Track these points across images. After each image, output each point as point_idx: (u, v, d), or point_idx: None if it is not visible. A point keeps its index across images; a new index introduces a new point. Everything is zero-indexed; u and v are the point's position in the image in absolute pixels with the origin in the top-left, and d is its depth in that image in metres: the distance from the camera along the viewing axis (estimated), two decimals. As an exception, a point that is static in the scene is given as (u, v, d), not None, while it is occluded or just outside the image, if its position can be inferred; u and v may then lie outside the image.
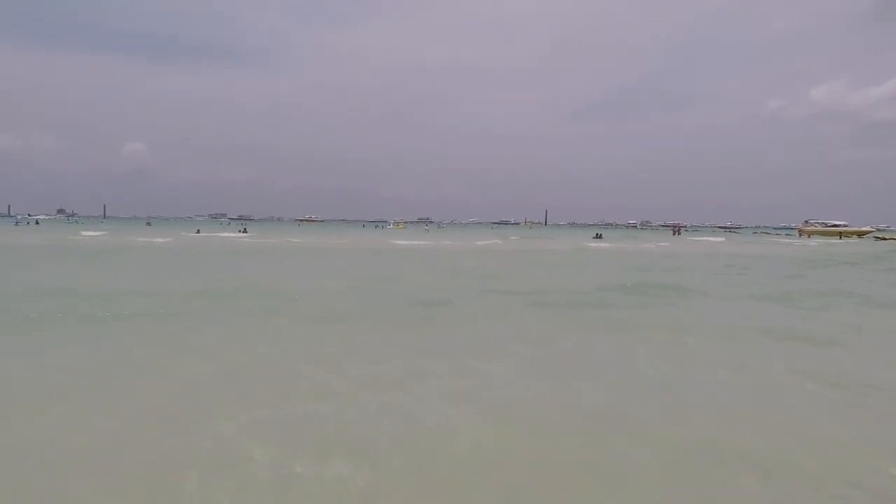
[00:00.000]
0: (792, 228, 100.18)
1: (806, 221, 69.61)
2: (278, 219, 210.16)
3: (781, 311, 9.15)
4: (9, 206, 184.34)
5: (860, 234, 60.25)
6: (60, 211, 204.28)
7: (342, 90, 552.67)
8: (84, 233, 37.39)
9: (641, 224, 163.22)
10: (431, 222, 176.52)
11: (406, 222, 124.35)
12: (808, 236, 62.64)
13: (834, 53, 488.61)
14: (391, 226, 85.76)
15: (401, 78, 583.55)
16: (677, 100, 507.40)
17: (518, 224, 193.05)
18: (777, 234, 77.65)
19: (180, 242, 27.65)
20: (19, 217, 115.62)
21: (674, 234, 67.43)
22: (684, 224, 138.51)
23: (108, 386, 4.35)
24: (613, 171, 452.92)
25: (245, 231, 43.86)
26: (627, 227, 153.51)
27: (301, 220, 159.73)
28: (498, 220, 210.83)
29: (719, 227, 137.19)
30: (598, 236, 49.08)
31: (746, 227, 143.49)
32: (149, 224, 73.01)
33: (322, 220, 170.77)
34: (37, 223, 66.61)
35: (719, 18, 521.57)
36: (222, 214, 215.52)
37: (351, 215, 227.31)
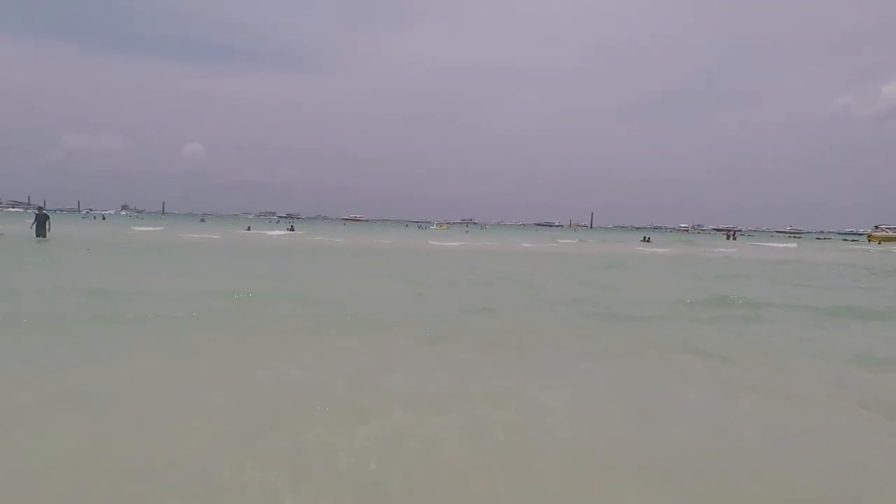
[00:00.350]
0: (859, 234, 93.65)
1: (876, 227, 65.60)
2: (324, 218, 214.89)
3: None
4: (78, 202, 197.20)
5: None
6: (124, 207, 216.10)
7: (389, 93, 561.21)
8: (137, 228, 39.03)
9: (693, 228, 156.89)
10: (474, 223, 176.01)
11: (449, 223, 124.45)
12: (879, 242, 57.71)
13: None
14: (434, 226, 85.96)
15: (447, 80, 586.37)
16: (733, 98, 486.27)
17: (562, 226, 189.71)
18: (844, 240, 72.84)
19: (230, 239, 28.38)
20: (84, 213, 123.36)
21: (728, 239, 64.70)
22: (739, 228, 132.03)
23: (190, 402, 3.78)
24: (662, 172, 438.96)
25: (292, 229, 44.83)
26: (678, 230, 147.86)
27: (346, 220, 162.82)
28: (542, 222, 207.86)
29: (778, 232, 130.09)
30: (647, 239, 47.78)
31: (808, 232, 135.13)
32: (203, 220, 76.17)
33: (367, 220, 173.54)
34: (103, 218, 70.68)
35: (781, 13, 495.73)
36: (272, 213, 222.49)
37: (395, 215, 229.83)
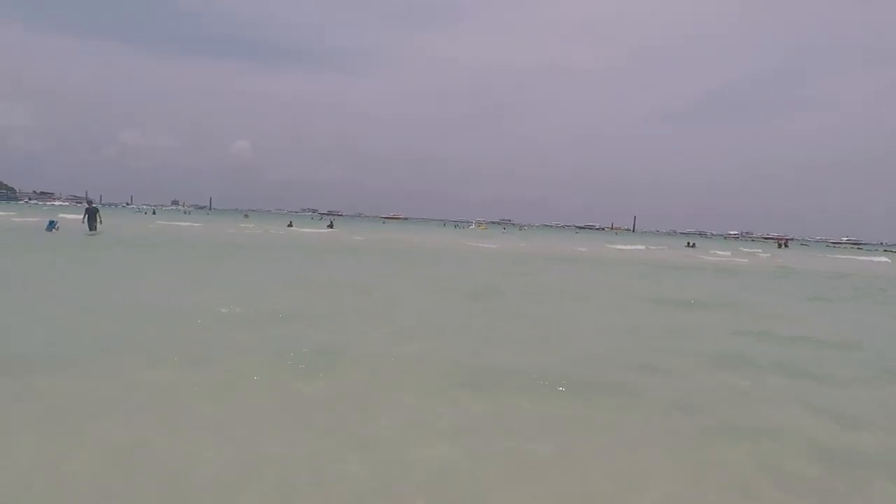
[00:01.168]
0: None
1: None
2: (363, 216, 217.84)
3: None
4: (131, 197, 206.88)
5: None
6: (174, 202, 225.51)
7: (432, 93, 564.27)
8: (180, 223, 40.52)
9: (743, 234, 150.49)
10: (511, 224, 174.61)
11: (488, 223, 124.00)
12: None
13: None
14: (473, 226, 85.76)
15: (489, 81, 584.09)
16: (786, 102, 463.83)
17: (604, 229, 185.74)
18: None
19: (270, 238, 28.94)
20: (135, 207, 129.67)
21: (779, 248, 61.97)
22: (790, 237, 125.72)
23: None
24: (707, 176, 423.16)
25: (332, 226, 45.73)
26: (727, 237, 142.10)
27: (386, 218, 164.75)
28: (583, 225, 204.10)
29: (833, 243, 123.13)
30: (691, 245, 47.08)
31: (868, 244, 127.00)
32: (246, 216, 78.70)
33: (406, 218, 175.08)
34: (153, 213, 74.21)
35: (837, 14, 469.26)
36: (314, 210, 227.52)
37: (433, 214, 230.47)
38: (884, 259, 43.17)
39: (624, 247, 37.29)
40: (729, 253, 36.59)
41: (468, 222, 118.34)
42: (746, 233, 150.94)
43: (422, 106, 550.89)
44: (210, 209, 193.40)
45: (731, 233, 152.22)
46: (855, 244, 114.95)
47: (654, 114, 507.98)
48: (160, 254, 15.25)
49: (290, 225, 45.11)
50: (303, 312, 7.03)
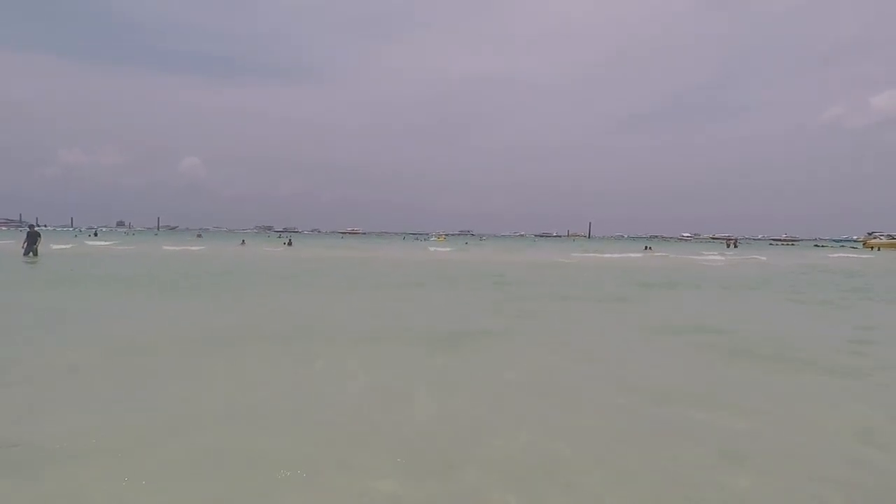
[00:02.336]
0: (854, 241, 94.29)
1: (870, 234, 67.61)
2: (318, 231, 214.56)
3: None
4: (71, 219, 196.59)
5: None
6: (120, 223, 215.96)
7: (387, 105, 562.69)
8: (121, 247, 37.78)
9: (692, 236, 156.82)
10: (472, 235, 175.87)
11: (447, 235, 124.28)
12: (878, 249, 59.36)
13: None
14: (433, 238, 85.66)
15: (446, 92, 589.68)
16: (729, 109, 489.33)
17: (561, 236, 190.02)
18: (842, 247, 73.03)
19: (224, 256, 27.63)
20: (76, 230, 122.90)
21: (728, 247, 64.75)
22: (737, 236, 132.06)
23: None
24: (659, 182, 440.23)
25: (290, 244, 44.21)
26: (680, 239, 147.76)
27: (344, 233, 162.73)
28: (540, 233, 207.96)
29: (775, 240, 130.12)
30: (648, 248, 48.19)
31: (804, 240, 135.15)
32: (199, 236, 75.45)
33: (365, 233, 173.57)
34: (95, 235, 69.98)
35: (771, 25, 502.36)
36: (269, 227, 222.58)
37: (394, 228, 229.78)
38: (842, 255, 45.89)
39: (610, 255, 36.72)
40: (722, 257, 36.72)
41: (428, 235, 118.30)
42: (695, 234, 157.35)
43: (378, 117, 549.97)
44: (158, 229, 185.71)
45: (685, 235, 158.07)
46: (788, 241, 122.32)
47: (606, 124, 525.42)
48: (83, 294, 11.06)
49: (243, 243, 43.58)
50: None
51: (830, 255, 40.99)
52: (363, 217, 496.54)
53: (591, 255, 36.56)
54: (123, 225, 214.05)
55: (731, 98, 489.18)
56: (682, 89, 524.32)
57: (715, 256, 36.24)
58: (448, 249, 36.59)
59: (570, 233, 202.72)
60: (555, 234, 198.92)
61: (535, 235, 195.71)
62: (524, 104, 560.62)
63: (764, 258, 34.41)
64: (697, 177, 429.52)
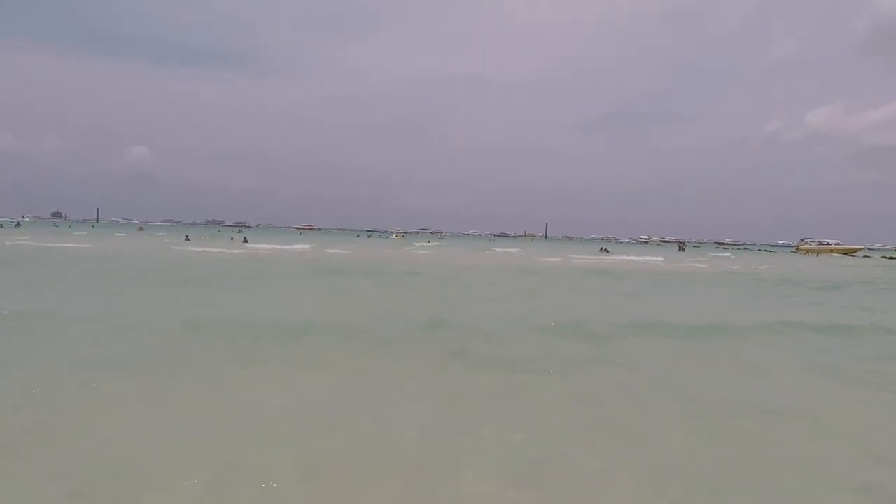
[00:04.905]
0: (790, 246, 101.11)
1: (802, 240, 74.85)
2: (272, 226, 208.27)
3: None
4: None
5: (851, 252, 65.10)
6: (56, 214, 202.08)
7: (348, 100, 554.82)
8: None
9: (640, 239, 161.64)
10: (430, 232, 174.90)
11: (406, 233, 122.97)
12: (807, 253, 67.39)
13: (832, 79, 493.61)
14: (392, 236, 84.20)
15: (406, 89, 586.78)
16: (680, 119, 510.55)
17: (518, 236, 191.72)
18: (781, 251, 77.46)
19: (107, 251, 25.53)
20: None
21: (679, 250, 66.78)
22: (685, 240, 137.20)
23: None
24: (614, 186, 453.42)
25: (245, 241, 41.31)
26: (639, 241, 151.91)
27: (300, 229, 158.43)
28: (497, 233, 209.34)
29: (719, 244, 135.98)
30: (604, 250, 48.78)
31: (746, 245, 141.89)
32: (141, 229, 71.08)
33: (320, 229, 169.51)
34: (17, 225, 64.74)
35: (722, 43, 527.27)
36: (221, 221, 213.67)
37: (352, 224, 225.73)
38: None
39: (583, 257, 37.39)
40: (704, 260, 38.55)
41: (388, 232, 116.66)
42: (646, 237, 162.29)
43: (337, 113, 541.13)
44: (97, 221, 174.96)
45: (643, 237, 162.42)
46: (735, 244, 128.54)
47: (561, 127, 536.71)
48: None
49: (188, 239, 40.01)
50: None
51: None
52: (319, 213, 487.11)
53: (615, 257, 37.95)
54: (59, 216, 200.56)
55: (679, 108, 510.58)
56: (633, 98, 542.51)
57: (732, 266, 36.94)
58: (427, 252, 35.44)
59: (527, 233, 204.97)
60: (512, 234, 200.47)
61: (493, 235, 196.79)
62: (482, 105, 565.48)
63: (765, 267, 35.12)
64: (648, 182, 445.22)
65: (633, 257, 39.26)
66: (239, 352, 6.16)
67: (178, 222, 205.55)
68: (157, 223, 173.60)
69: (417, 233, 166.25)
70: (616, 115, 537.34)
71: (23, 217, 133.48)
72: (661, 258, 39.15)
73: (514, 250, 44.69)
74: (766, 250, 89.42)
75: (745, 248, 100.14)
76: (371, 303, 10.80)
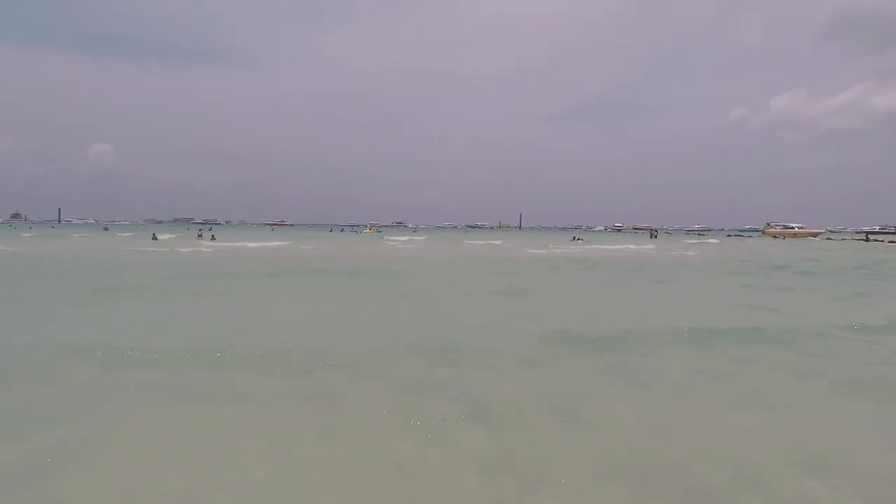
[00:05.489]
0: (757, 230, 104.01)
1: (768, 224, 77.03)
2: (244, 223, 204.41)
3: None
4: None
5: (814, 235, 68.33)
6: (15, 216, 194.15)
7: (320, 95, 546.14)
8: None
9: (615, 227, 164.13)
10: (406, 226, 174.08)
11: (381, 226, 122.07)
12: (774, 237, 68.99)
13: (795, 66, 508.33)
14: (366, 230, 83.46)
15: (380, 84, 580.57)
16: (650, 109, 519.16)
17: (493, 227, 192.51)
18: (749, 236, 79.34)
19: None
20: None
21: (651, 237, 67.91)
22: (657, 227, 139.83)
23: None
24: (586, 176, 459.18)
25: (213, 238, 40.28)
26: (613, 229, 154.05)
27: (273, 225, 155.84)
28: (472, 224, 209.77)
29: (690, 231, 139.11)
30: (577, 239, 49.49)
31: (715, 230, 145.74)
32: (106, 229, 68.97)
33: (293, 225, 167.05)
34: None
35: (693, 34, 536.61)
36: (190, 219, 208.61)
37: (325, 220, 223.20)
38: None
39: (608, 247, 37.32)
40: (690, 247, 38.82)
41: (361, 227, 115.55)
42: (620, 225, 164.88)
43: (309, 107, 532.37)
44: (59, 222, 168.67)
45: (617, 225, 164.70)
46: (702, 231, 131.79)
47: (535, 119, 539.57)
48: None
49: (155, 238, 38.79)
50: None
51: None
52: (290, 208, 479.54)
53: (594, 247, 37.54)
54: (19, 217, 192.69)
55: (649, 99, 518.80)
56: (605, 89, 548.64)
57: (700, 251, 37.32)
58: (409, 247, 34.86)
59: (501, 224, 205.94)
60: (488, 226, 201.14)
61: (468, 227, 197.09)
62: (456, 98, 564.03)
63: (751, 251, 35.75)
64: (619, 171, 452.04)
65: (617, 246, 38.90)
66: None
67: (151, 220, 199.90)
68: (124, 223, 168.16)
69: (393, 226, 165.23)
70: (588, 107, 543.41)
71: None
72: (651, 246, 39.09)
73: (498, 242, 44.02)
74: (737, 235, 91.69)
75: (712, 234, 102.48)
76: (341, 314, 8.78)
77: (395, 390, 4.75)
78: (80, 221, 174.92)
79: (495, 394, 4.68)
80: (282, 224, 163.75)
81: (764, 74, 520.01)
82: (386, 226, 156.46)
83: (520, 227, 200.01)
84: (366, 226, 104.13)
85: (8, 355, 5.75)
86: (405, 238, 52.14)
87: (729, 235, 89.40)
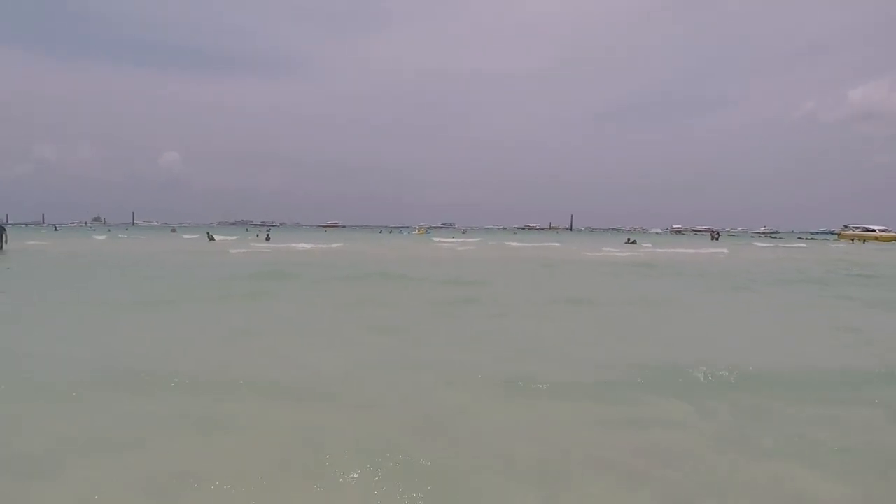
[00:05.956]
0: (831, 233, 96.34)
1: (845, 226, 70.85)
2: (299, 225, 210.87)
3: None
4: (42, 215, 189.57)
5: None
6: (96, 219, 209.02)
7: (365, 99, 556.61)
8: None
9: (674, 229, 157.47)
10: (454, 227, 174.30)
11: (428, 227, 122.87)
12: (852, 241, 62.39)
13: (873, 54, 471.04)
14: (415, 231, 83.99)
15: (424, 86, 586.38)
16: (707, 103, 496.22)
17: (543, 229, 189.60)
18: (825, 239, 74.06)
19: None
20: (45, 226, 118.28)
21: (712, 239, 64.78)
22: (719, 229, 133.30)
23: None
24: (639, 175, 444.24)
25: (269, 239, 41.75)
26: (671, 231, 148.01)
27: (326, 227, 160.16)
28: (521, 226, 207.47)
29: (756, 232, 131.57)
30: (631, 241, 47.67)
31: (783, 232, 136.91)
32: (173, 231, 73.59)
33: (344, 226, 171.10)
34: (55, 229, 69.12)
35: (747, 19, 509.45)
36: (249, 221, 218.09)
37: (372, 221, 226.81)
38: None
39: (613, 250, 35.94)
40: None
41: (410, 227, 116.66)
42: (679, 227, 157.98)
43: (356, 111, 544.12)
44: (132, 224, 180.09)
45: (675, 227, 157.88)
46: (771, 233, 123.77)
47: (587, 117, 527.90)
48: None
49: (211, 238, 40.02)
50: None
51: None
52: (342, 210, 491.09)
53: (664, 250, 34.03)
54: (99, 220, 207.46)
55: (705, 93, 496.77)
56: (658, 84, 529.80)
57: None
58: (462, 249, 34.29)
59: (551, 225, 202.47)
60: (537, 227, 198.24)
61: (516, 228, 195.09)
62: (501, 98, 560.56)
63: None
64: (677, 170, 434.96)
65: (680, 249, 35.71)
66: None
67: (215, 223, 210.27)
68: (188, 225, 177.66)
69: (440, 227, 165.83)
70: (639, 103, 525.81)
71: (60, 223, 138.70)
72: (725, 250, 35.46)
73: (556, 244, 42.26)
74: (809, 237, 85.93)
75: (781, 236, 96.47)
76: (392, 330, 7.13)
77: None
78: (150, 224, 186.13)
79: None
80: (334, 225, 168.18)
81: (836, 63, 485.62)
82: (434, 227, 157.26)
83: (570, 229, 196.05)
84: (415, 227, 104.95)
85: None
86: (456, 240, 51.84)
87: (800, 238, 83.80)
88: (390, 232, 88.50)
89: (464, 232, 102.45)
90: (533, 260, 22.93)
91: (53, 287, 11.84)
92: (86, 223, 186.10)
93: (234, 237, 48.00)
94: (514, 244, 41.55)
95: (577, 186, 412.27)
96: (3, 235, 21.00)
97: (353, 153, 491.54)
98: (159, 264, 18.11)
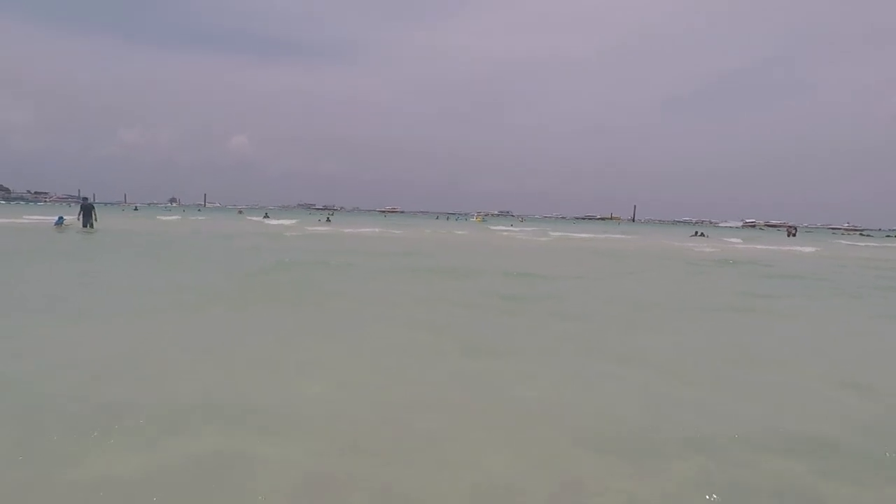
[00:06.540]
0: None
1: None
2: (358, 209, 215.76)
3: None
4: (125, 195, 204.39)
5: None
6: (172, 199, 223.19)
7: (428, 86, 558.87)
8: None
9: (747, 223, 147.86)
10: (512, 215, 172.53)
11: (487, 214, 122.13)
12: None
13: None
14: (473, 218, 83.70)
15: (487, 73, 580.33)
16: (784, 90, 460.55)
17: (605, 219, 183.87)
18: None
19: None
20: (124, 206, 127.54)
21: (789, 236, 60.34)
22: (795, 224, 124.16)
23: None
24: (707, 165, 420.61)
25: (329, 220, 43.28)
26: (746, 225, 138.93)
27: (385, 212, 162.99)
28: (582, 215, 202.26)
29: (834, 229, 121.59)
30: (700, 234, 45.67)
31: (870, 230, 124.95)
32: (240, 212, 77.34)
33: (402, 212, 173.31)
34: (135, 209, 74.65)
35: (831, 2, 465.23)
36: (311, 205, 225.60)
37: (431, 207, 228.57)
38: None
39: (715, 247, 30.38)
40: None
41: (468, 214, 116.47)
42: (753, 221, 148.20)
43: (419, 98, 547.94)
44: (204, 206, 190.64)
45: (749, 220, 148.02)
46: (855, 230, 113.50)
47: (653, 103, 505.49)
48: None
49: (266, 216, 49.43)
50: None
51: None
52: (402, 196, 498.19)
53: (750, 246, 29.44)
54: (175, 201, 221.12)
55: (785, 79, 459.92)
56: (732, 69, 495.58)
57: None
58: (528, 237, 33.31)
59: (612, 215, 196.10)
60: (598, 217, 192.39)
61: (576, 218, 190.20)
62: (567, 84, 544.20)
63: None
64: (748, 160, 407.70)
65: (760, 246, 30.10)
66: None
67: (275, 206, 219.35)
68: (255, 207, 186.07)
69: (498, 215, 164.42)
70: (712, 89, 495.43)
71: (140, 203, 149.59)
72: (811, 249, 29.24)
73: (622, 236, 38.19)
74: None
75: (867, 234, 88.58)
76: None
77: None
78: (219, 205, 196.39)
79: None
80: (393, 210, 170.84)
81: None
82: (492, 214, 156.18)
83: (633, 220, 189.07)
84: (473, 214, 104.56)
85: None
86: (515, 228, 50.65)
87: (888, 236, 76.69)
88: (447, 219, 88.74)
89: (522, 220, 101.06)
90: (610, 253, 20.18)
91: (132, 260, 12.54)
92: (168, 203, 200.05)
93: (294, 220, 49.63)
94: (581, 235, 38.61)
95: (640, 176, 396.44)
96: (93, 213, 21.77)
97: (414, 139, 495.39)
98: (233, 246, 18.87)
